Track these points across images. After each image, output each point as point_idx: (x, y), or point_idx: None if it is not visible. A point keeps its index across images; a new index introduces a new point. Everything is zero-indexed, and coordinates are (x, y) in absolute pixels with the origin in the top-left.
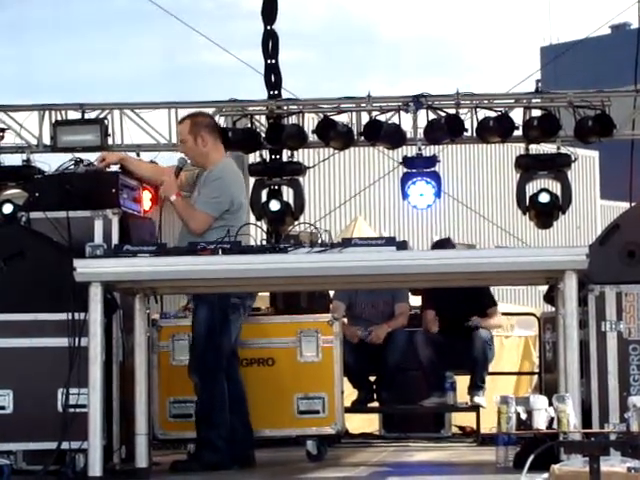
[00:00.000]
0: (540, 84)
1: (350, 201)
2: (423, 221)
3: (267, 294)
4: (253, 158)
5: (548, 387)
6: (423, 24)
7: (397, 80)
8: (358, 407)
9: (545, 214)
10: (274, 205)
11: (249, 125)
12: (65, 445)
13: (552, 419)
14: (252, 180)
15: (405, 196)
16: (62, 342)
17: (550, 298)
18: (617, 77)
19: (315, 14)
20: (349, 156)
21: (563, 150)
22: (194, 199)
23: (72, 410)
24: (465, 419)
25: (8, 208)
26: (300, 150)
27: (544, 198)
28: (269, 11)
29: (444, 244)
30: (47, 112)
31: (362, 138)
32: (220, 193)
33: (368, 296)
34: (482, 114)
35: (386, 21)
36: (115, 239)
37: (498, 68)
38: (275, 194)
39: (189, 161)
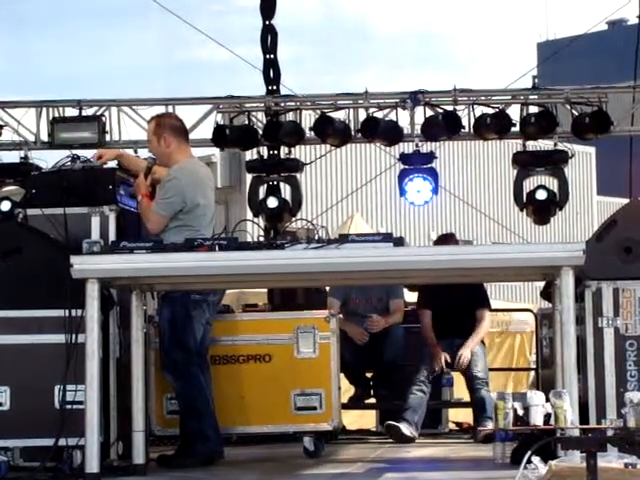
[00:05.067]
0: (537, 80)
1: (347, 198)
2: (420, 217)
3: (264, 290)
4: (250, 155)
5: (545, 383)
6: (419, 20)
7: (393, 75)
8: (355, 403)
9: (542, 210)
10: (272, 202)
11: (246, 122)
12: (62, 441)
13: (549, 415)
14: (249, 177)
15: (402, 192)
16: (59, 338)
17: (547, 294)
18: (615, 73)
19: (310, 10)
20: (347, 153)
21: (560, 146)
22: None
23: (69, 406)
24: (462, 415)
25: (6, 205)
26: (298, 147)
27: (541, 195)
28: (268, 6)
29: (447, 239)
30: (45, 109)
31: (359, 135)
32: (173, 193)
33: (362, 292)
34: (479, 111)
35: (382, 16)
36: (112, 235)
37: (495, 64)
38: (273, 191)
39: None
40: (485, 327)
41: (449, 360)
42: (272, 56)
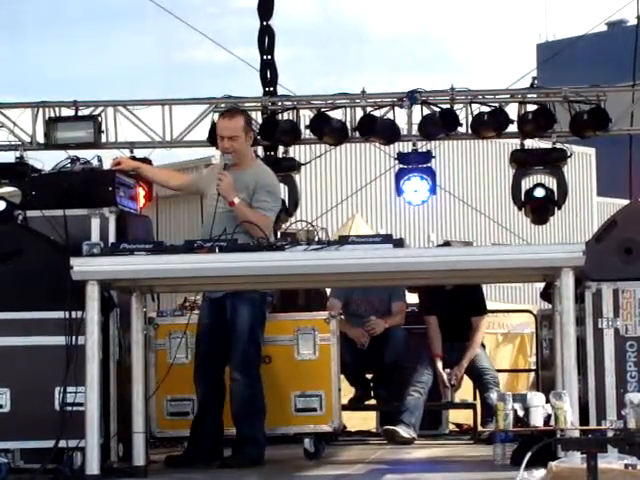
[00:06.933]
0: (537, 82)
1: (347, 200)
2: (420, 218)
3: None
4: None
5: (545, 384)
6: (416, 22)
7: (391, 78)
8: (355, 405)
9: (540, 209)
10: None
11: None
12: (63, 443)
13: (549, 416)
14: None
15: (400, 192)
16: (59, 340)
17: (547, 295)
18: (614, 75)
19: (308, 12)
20: (346, 154)
21: (559, 146)
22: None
23: (69, 408)
24: (462, 417)
25: (1, 205)
26: (297, 148)
27: (539, 193)
28: (265, 7)
29: None
30: (41, 109)
31: (357, 134)
32: (279, 202)
33: (364, 293)
34: (477, 110)
35: (379, 19)
36: (112, 237)
37: (494, 65)
38: None
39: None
40: (480, 336)
41: (448, 381)
42: (269, 57)
